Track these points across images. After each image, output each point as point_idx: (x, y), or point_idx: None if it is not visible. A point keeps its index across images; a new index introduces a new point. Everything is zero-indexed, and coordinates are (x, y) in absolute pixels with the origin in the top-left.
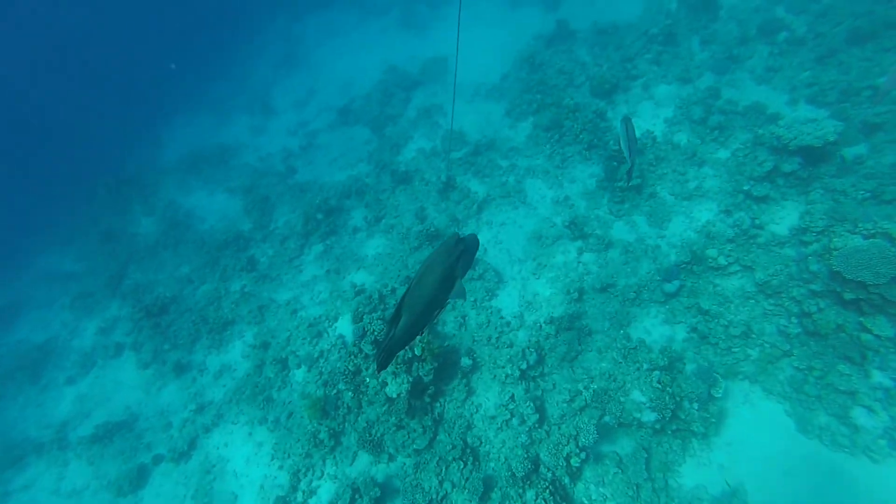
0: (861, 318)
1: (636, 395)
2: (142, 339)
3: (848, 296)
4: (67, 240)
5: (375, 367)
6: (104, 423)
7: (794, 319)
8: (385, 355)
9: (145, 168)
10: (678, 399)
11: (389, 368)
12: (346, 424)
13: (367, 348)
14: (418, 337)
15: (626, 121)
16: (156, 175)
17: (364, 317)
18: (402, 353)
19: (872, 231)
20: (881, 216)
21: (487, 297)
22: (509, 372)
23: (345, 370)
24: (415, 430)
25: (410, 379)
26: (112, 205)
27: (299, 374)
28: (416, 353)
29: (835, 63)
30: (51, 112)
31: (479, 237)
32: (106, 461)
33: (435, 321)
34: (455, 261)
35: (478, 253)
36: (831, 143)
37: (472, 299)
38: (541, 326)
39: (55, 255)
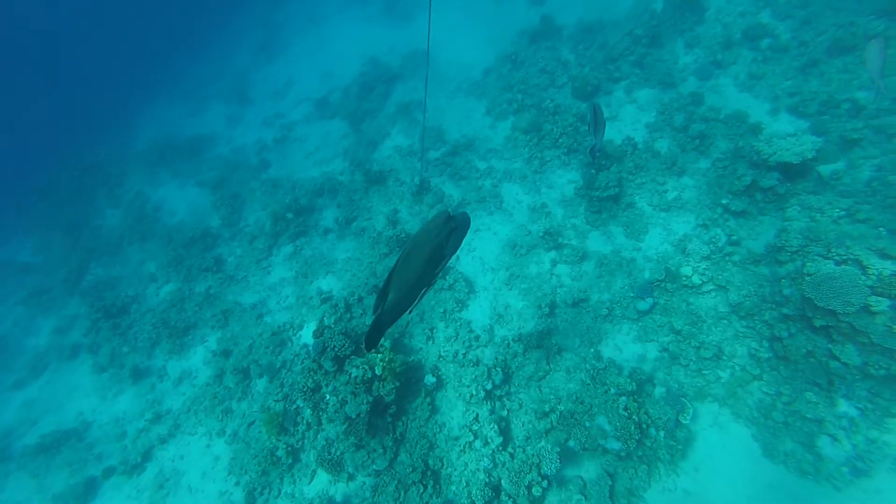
0: (830, 346)
1: (602, 421)
2: (99, 341)
3: (818, 322)
4: (26, 229)
5: (364, 346)
6: (52, 432)
7: (765, 343)
8: (373, 334)
9: (113, 156)
10: (644, 427)
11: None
12: (306, 441)
13: (328, 364)
14: (380, 356)
15: (595, 106)
16: (124, 164)
17: (325, 331)
18: (360, 373)
19: (845, 257)
20: (854, 237)
21: (458, 309)
22: (474, 392)
23: (304, 387)
24: (375, 450)
25: (370, 399)
26: (76, 194)
27: (260, 385)
28: (376, 372)
29: (816, 73)
30: (16, 92)
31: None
32: (52, 473)
33: (422, 299)
34: (444, 239)
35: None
36: (810, 160)
37: (441, 310)
38: (508, 344)
39: (12, 245)
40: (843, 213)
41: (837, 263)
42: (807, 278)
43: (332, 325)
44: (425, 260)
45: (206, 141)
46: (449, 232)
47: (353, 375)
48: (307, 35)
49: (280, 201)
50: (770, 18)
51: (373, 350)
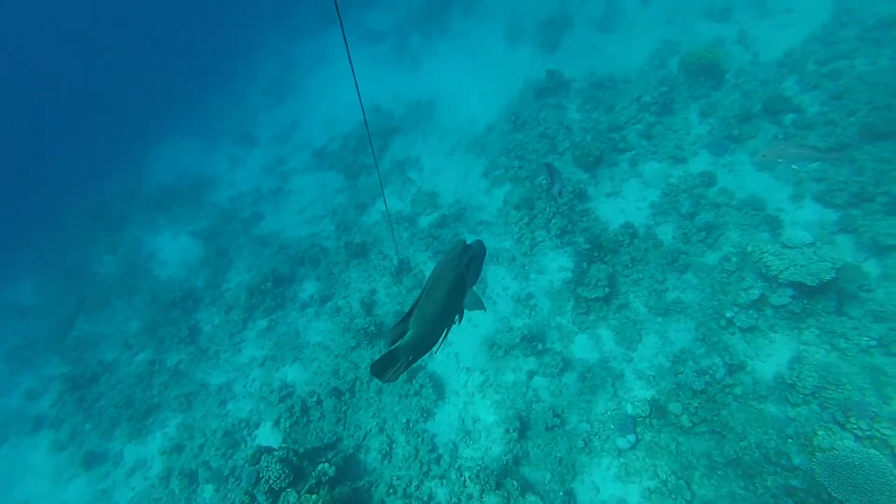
0: None
1: None
2: (63, 415)
3: None
4: (31, 267)
5: (380, 378)
6: None
7: None
8: (387, 366)
9: (118, 197)
10: None
11: None
12: None
13: (261, 497)
14: (314, 496)
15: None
16: (127, 206)
17: (262, 458)
18: None
19: (868, 433)
20: (889, 375)
21: (423, 419)
22: None
23: None
24: None
25: None
26: (79, 236)
27: (206, 492)
28: None
29: (846, 158)
30: (31, 130)
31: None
32: None
33: (447, 333)
34: (465, 269)
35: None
36: (828, 282)
37: (404, 420)
38: (465, 483)
39: (14, 284)
40: (873, 342)
41: (858, 439)
42: (818, 454)
43: (274, 450)
44: (448, 291)
45: (206, 185)
46: (468, 262)
47: None
48: (316, 76)
49: (260, 270)
50: (795, 89)
51: (390, 383)
